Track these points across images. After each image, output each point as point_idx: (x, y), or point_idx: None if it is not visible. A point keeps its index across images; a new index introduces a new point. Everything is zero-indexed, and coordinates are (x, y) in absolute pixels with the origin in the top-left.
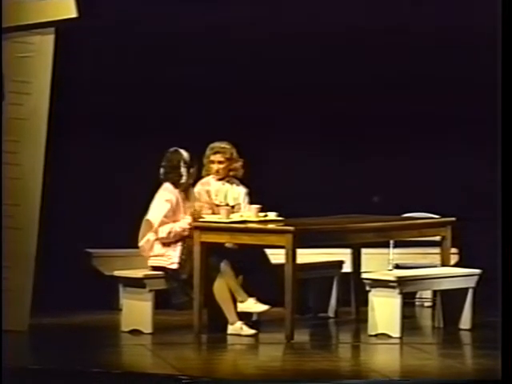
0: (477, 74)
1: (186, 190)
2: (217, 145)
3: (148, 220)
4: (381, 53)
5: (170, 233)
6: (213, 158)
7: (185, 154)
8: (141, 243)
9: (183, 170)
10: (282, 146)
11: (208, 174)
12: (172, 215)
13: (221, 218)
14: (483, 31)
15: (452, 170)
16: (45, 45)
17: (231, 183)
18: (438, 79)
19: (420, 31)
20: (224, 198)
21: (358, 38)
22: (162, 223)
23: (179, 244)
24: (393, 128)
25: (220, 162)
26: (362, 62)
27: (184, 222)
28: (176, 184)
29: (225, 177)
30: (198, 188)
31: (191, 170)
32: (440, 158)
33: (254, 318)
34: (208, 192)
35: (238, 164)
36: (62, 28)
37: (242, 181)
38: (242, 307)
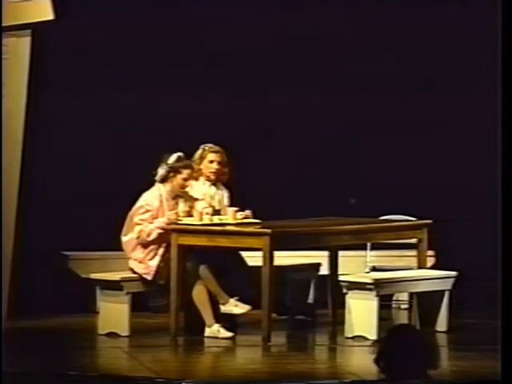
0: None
1: (177, 195)
2: (213, 145)
3: (130, 216)
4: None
5: (149, 234)
6: (213, 157)
7: (173, 157)
8: (124, 239)
9: (171, 174)
10: (259, 148)
11: (200, 174)
12: (151, 218)
13: (194, 220)
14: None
15: (429, 172)
16: (20, 47)
17: (217, 187)
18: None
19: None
20: (210, 201)
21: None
22: (136, 224)
23: (159, 252)
24: (369, 129)
25: (219, 163)
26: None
27: (158, 221)
28: (164, 187)
29: (215, 180)
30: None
31: (180, 175)
32: (415, 159)
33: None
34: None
35: (227, 169)
36: (39, 30)
37: (225, 184)
38: (224, 309)
